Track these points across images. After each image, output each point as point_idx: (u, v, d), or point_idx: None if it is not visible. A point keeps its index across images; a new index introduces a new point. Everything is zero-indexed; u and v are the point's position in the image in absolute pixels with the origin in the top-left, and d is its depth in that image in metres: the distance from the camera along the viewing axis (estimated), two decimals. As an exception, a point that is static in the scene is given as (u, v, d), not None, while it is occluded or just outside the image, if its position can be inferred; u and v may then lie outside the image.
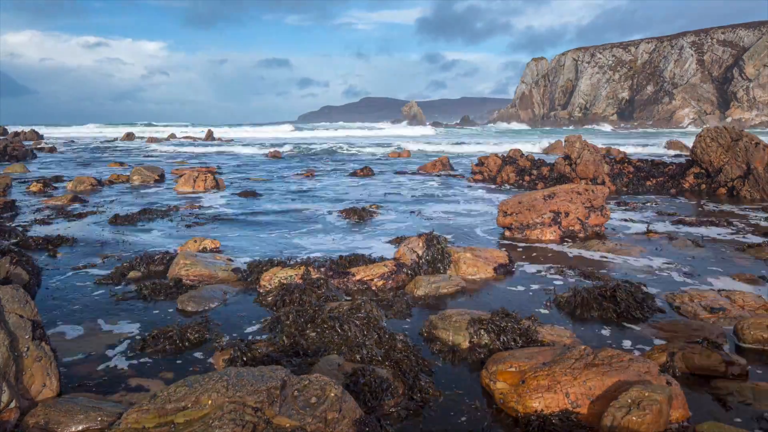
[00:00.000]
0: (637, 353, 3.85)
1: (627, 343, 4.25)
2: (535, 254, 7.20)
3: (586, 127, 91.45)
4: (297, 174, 16.74)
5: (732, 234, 8.24)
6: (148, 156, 24.42)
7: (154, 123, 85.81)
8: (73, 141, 37.06)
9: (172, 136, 43.94)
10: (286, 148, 31.87)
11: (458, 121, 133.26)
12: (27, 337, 3.01)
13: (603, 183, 12.94)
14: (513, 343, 3.89)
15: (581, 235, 7.66)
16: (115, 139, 39.07)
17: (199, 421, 2.44)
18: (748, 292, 5.10)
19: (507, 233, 7.89)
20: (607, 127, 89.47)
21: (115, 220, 8.52)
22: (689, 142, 22.47)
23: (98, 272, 6.01)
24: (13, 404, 2.75)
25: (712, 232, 8.38)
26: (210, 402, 2.50)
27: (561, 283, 5.76)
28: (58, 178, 13.90)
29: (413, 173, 17.71)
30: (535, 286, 5.72)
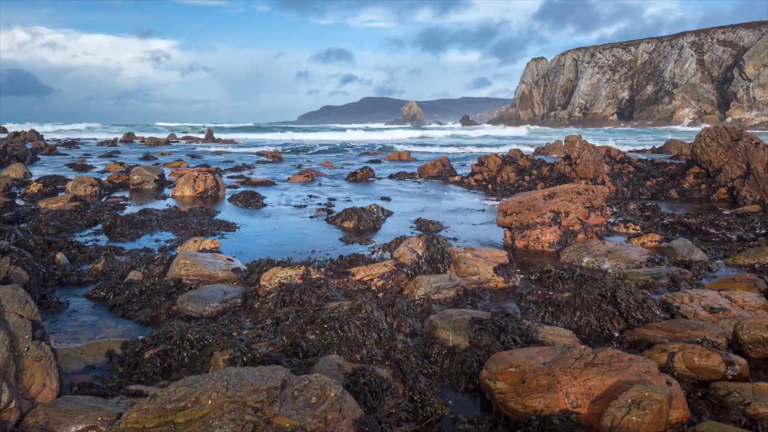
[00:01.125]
0: (636, 353, 3.85)
1: (626, 344, 4.25)
2: (535, 254, 7.21)
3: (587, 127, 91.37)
4: (297, 175, 16.74)
5: (731, 234, 8.24)
6: (150, 156, 24.43)
7: (174, 124, 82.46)
8: (73, 141, 37.06)
9: (172, 137, 43.92)
10: (287, 150, 31.87)
11: (458, 121, 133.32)
12: (27, 336, 3.01)
13: (603, 183, 12.94)
14: (513, 343, 3.89)
15: (581, 235, 7.66)
16: (115, 140, 38.98)
17: (199, 420, 2.44)
18: (747, 292, 5.10)
19: (507, 233, 7.89)
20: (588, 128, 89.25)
21: (115, 221, 8.51)
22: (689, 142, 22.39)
23: (98, 273, 6.01)
24: (13, 404, 2.75)
25: (711, 232, 8.38)
26: (210, 402, 2.50)
27: (561, 283, 5.76)
28: (57, 179, 13.88)
29: (413, 174, 17.71)
30: (535, 286, 5.72)
